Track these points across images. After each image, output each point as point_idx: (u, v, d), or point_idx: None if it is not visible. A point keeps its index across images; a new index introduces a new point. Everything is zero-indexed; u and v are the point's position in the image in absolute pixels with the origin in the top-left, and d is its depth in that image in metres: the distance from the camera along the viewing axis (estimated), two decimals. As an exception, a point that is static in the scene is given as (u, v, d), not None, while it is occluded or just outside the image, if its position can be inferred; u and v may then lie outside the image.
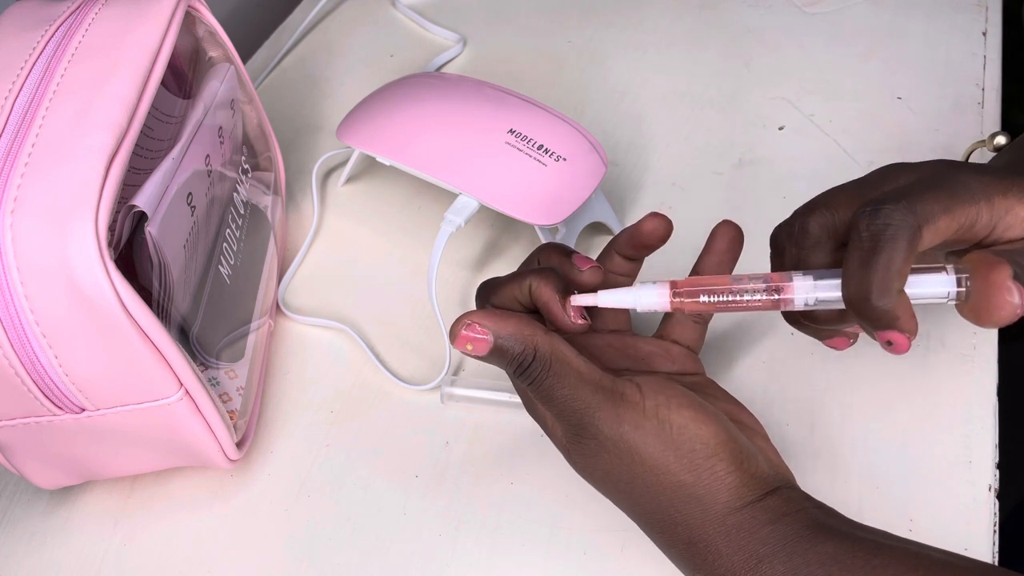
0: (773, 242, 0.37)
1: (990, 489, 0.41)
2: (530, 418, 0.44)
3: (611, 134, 0.60)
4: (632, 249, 0.38)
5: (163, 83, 0.42)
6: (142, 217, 0.35)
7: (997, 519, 0.40)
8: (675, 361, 0.39)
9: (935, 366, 0.45)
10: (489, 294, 0.36)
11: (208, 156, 0.42)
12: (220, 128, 0.45)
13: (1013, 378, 0.50)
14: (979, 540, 0.39)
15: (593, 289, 0.36)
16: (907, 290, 0.31)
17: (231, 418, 0.41)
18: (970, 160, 0.51)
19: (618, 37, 0.68)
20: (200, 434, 0.39)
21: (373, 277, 0.53)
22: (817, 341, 0.38)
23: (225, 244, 0.45)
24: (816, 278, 0.33)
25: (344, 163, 0.59)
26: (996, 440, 0.43)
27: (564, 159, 0.48)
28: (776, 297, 0.33)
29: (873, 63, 0.63)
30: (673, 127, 0.60)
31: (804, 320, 0.36)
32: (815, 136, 0.59)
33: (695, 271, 0.39)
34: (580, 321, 0.34)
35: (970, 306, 0.32)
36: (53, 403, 0.35)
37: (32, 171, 0.32)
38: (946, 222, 0.31)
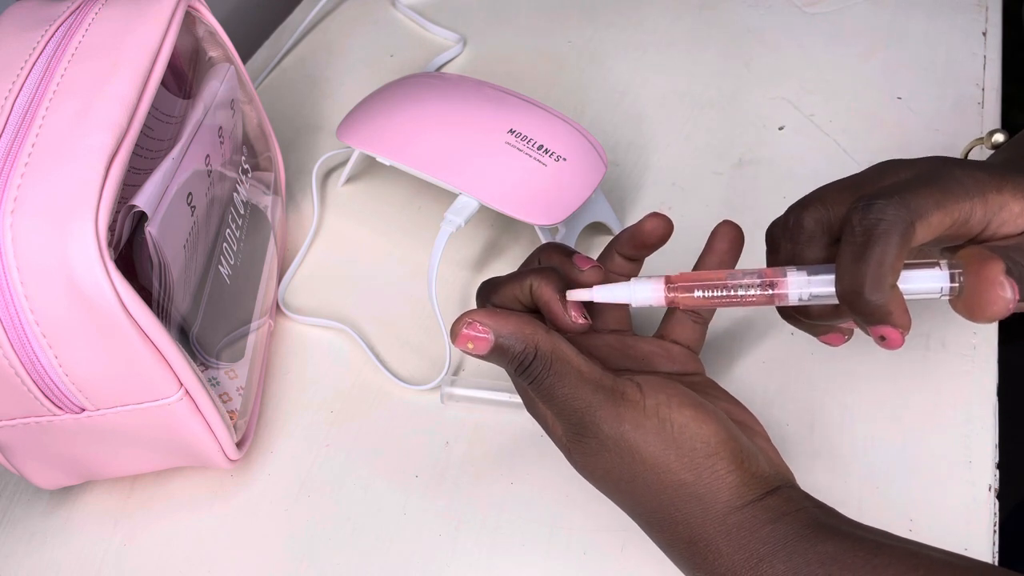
0: (769, 238, 0.37)
1: (990, 489, 0.41)
2: (530, 418, 0.44)
3: (611, 134, 0.60)
4: (633, 249, 0.38)
5: (163, 83, 0.42)
6: (142, 217, 0.35)
7: (997, 519, 0.40)
8: (675, 361, 0.39)
9: (935, 366, 0.45)
10: (490, 293, 0.36)
11: (208, 156, 0.42)
12: (220, 128, 0.45)
13: (1013, 378, 0.50)
14: (979, 540, 0.39)
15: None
16: (900, 285, 0.31)
17: (231, 418, 0.41)
18: (969, 157, 0.51)
19: (618, 37, 0.68)
20: (200, 434, 0.39)
21: (373, 277, 0.53)
22: (816, 340, 0.38)
23: (225, 244, 0.45)
24: (810, 273, 0.33)
25: (344, 163, 0.59)
26: (996, 440, 0.43)
27: (564, 159, 0.48)
28: (770, 292, 0.33)
29: (873, 63, 0.63)
30: (673, 127, 0.60)
31: (799, 316, 0.36)
32: (815, 136, 0.59)
33: (695, 271, 0.39)
34: (581, 320, 0.34)
35: (963, 301, 0.32)
36: (53, 403, 0.35)
37: (32, 171, 0.32)
38: (939, 218, 0.31)
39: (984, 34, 0.64)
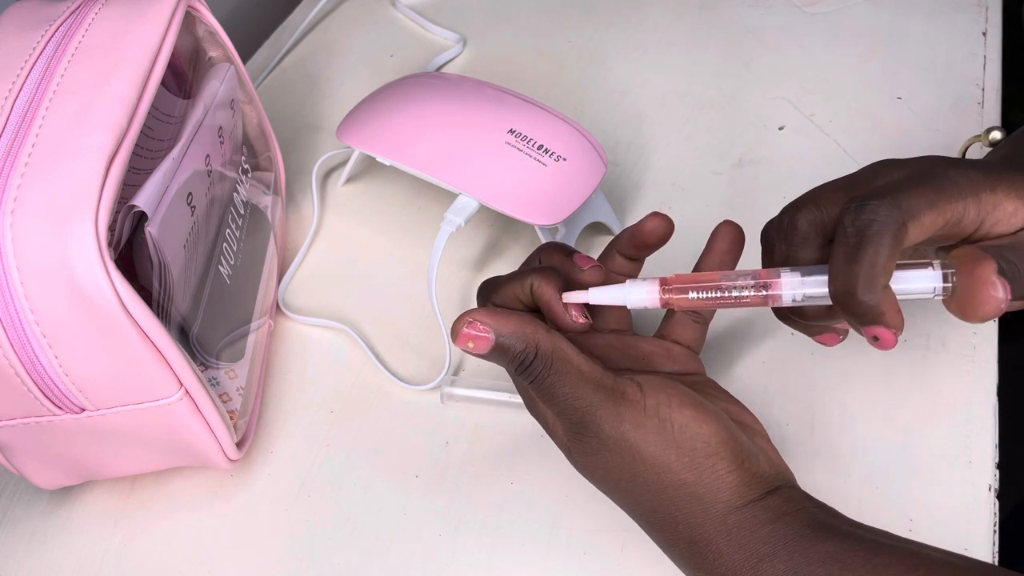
0: (764, 239, 0.37)
1: (990, 489, 0.41)
2: (530, 418, 0.44)
3: (611, 134, 0.60)
4: (633, 249, 0.38)
5: (163, 83, 0.41)
6: (142, 217, 0.35)
7: (997, 519, 0.40)
8: (676, 361, 0.39)
9: (935, 366, 0.45)
10: (490, 293, 0.36)
11: (208, 156, 0.42)
12: (220, 128, 0.45)
13: (1013, 378, 0.50)
14: (979, 540, 0.39)
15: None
16: (893, 285, 0.31)
17: (231, 418, 0.41)
18: (967, 154, 0.51)
19: (618, 37, 0.68)
20: (200, 434, 0.39)
21: (373, 277, 0.53)
22: (814, 340, 0.38)
23: (225, 244, 0.45)
24: (804, 274, 0.33)
25: (344, 163, 0.59)
26: (996, 440, 0.43)
27: (564, 159, 0.48)
28: (764, 293, 0.33)
29: (873, 63, 0.63)
30: (673, 127, 0.60)
31: (793, 316, 0.36)
32: (815, 136, 0.59)
33: (696, 271, 0.39)
34: (581, 320, 0.34)
35: (956, 301, 0.32)
36: (53, 403, 0.35)
37: (32, 171, 0.32)
38: (932, 218, 0.31)
39: (984, 34, 0.64)
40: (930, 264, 0.32)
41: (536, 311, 0.35)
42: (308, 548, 0.42)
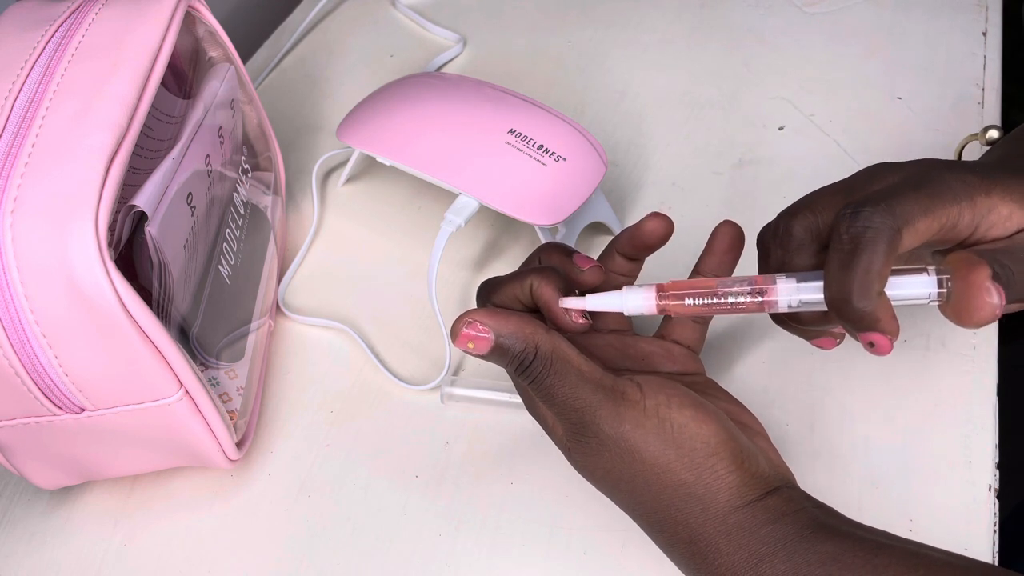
0: (760, 244, 0.37)
1: (990, 489, 0.41)
2: (530, 418, 0.44)
3: (611, 134, 0.60)
4: (633, 249, 0.38)
5: (163, 83, 0.42)
6: (142, 217, 0.35)
7: (997, 519, 0.40)
8: (676, 361, 0.39)
9: (935, 366, 0.45)
10: (490, 293, 0.36)
11: (208, 156, 0.42)
12: (220, 128, 0.45)
13: (1013, 378, 0.50)
14: (979, 540, 0.39)
15: (595, 288, 0.36)
16: (888, 292, 0.31)
17: (231, 418, 0.41)
18: (963, 153, 0.51)
19: (618, 37, 0.68)
20: (200, 434, 0.39)
21: (373, 277, 0.53)
22: (811, 343, 0.38)
23: (225, 244, 0.45)
24: (799, 280, 0.33)
25: (344, 163, 0.59)
26: (996, 440, 0.43)
27: (564, 159, 0.48)
28: (760, 299, 0.33)
29: (873, 63, 0.63)
30: (673, 127, 0.60)
31: (790, 321, 0.36)
32: (815, 136, 0.59)
33: (696, 271, 0.39)
34: (581, 320, 0.34)
35: (951, 306, 0.32)
36: (53, 403, 0.35)
37: (32, 171, 0.32)
38: (926, 223, 0.31)
39: (984, 34, 0.64)
40: (925, 270, 0.32)
41: (536, 311, 0.35)
42: (308, 548, 0.42)
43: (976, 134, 0.49)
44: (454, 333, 0.33)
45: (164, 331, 0.34)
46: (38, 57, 0.37)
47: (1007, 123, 0.57)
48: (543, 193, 0.47)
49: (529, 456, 0.44)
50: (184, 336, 0.39)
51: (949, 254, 0.32)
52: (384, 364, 0.48)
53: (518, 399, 0.45)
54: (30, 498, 0.44)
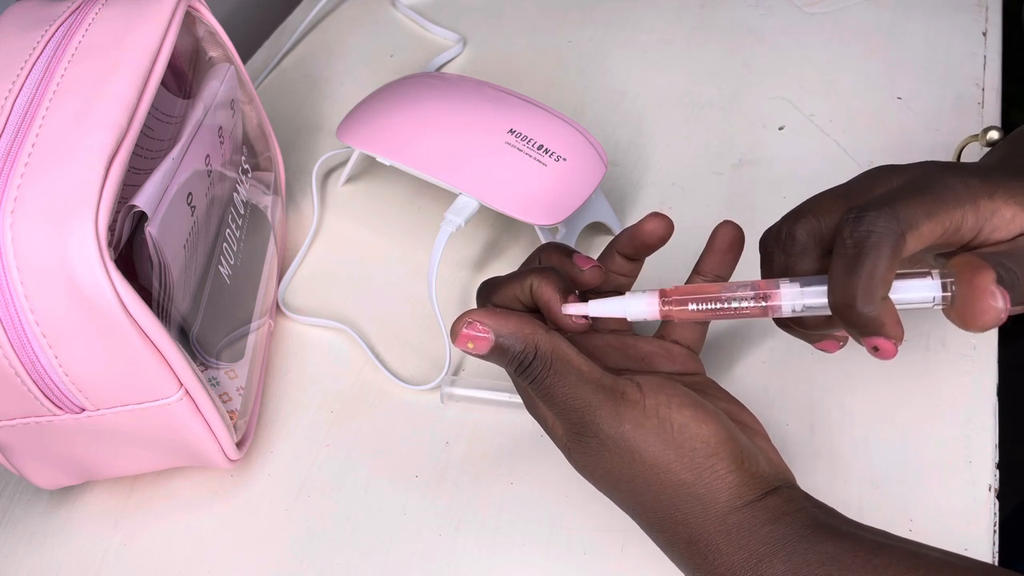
0: (762, 247, 0.37)
1: (990, 489, 0.41)
2: (530, 418, 0.44)
3: (611, 134, 0.60)
4: (633, 249, 0.38)
5: (163, 83, 0.42)
6: (142, 217, 0.35)
7: (997, 519, 0.40)
8: (676, 361, 0.39)
9: (935, 366, 0.45)
10: (490, 293, 0.36)
11: (208, 156, 0.42)
12: (220, 128, 0.45)
13: (1013, 378, 0.50)
14: (979, 540, 0.39)
15: (594, 288, 0.36)
16: (892, 296, 0.31)
17: (231, 418, 0.41)
18: (963, 154, 0.51)
19: (618, 37, 0.68)
20: (200, 434, 0.39)
21: (373, 277, 0.53)
22: (814, 346, 0.38)
23: (225, 244, 0.45)
24: (803, 285, 0.33)
25: (344, 163, 0.59)
26: (996, 440, 0.43)
27: (564, 159, 0.48)
28: (764, 304, 0.33)
29: (873, 63, 0.63)
30: (673, 127, 0.60)
31: (793, 325, 0.36)
32: (815, 136, 0.59)
33: (696, 271, 0.39)
34: (581, 320, 0.34)
35: (955, 310, 0.32)
36: (53, 403, 0.35)
37: (32, 171, 0.32)
38: (930, 227, 0.31)
39: (984, 34, 0.64)
40: (929, 273, 0.32)
41: (536, 311, 0.35)
42: (308, 548, 0.42)
43: (976, 135, 0.49)
44: (454, 333, 0.33)
45: (164, 331, 0.34)
46: (38, 57, 0.37)
47: (1007, 123, 0.57)
48: (543, 193, 0.47)
49: (529, 456, 0.44)
50: (184, 336, 0.39)
51: (953, 258, 0.32)
52: (384, 364, 0.48)
53: (518, 399, 0.45)
54: (30, 498, 0.44)
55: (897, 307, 0.31)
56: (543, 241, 0.48)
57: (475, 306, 0.37)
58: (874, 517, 0.34)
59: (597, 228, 0.53)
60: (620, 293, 0.39)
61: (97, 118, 0.34)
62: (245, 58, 0.68)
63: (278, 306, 0.51)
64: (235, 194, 0.47)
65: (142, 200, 0.34)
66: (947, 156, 0.55)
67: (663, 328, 0.40)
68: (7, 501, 0.44)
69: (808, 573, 0.29)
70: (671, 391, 0.32)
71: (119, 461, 0.41)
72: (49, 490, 0.44)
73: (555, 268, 0.35)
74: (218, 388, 0.42)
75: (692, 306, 0.34)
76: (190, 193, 0.39)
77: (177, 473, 0.44)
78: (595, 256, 0.38)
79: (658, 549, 0.34)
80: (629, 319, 0.34)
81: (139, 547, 0.42)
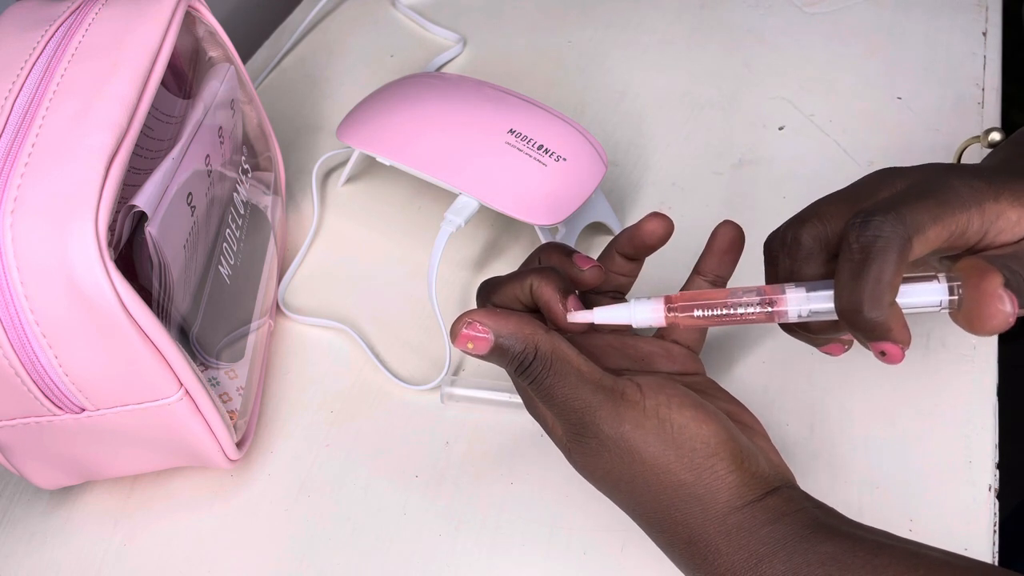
0: (767, 251, 0.37)
1: (990, 489, 0.41)
2: (530, 418, 0.44)
3: (611, 134, 0.60)
4: (633, 249, 0.38)
5: (163, 83, 0.42)
6: (142, 217, 0.35)
7: (997, 519, 0.40)
8: (676, 361, 0.39)
9: (935, 367, 0.45)
10: (490, 293, 0.36)
11: (208, 156, 0.42)
12: (220, 128, 0.45)
13: (1013, 378, 0.50)
14: (979, 540, 0.39)
15: (594, 288, 0.36)
16: (899, 300, 0.31)
17: (231, 418, 0.41)
18: (964, 156, 0.51)
19: (618, 37, 0.68)
20: (200, 434, 0.39)
21: (373, 277, 0.53)
22: (819, 350, 0.38)
23: (225, 244, 0.45)
24: (809, 290, 0.33)
25: (344, 163, 0.59)
26: (996, 440, 0.43)
27: (564, 159, 0.48)
28: (770, 310, 0.33)
29: (873, 63, 0.63)
30: (673, 127, 0.60)
31: (799, 329, 0.36)
32: (815, 136, 0.59)
33: (695, 271, 0.39)
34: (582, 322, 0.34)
35: (963, 314, 0.31)
36: (53, 403, 0.35)
37: (32, 171, 0.32)
38: (936, 231, 0.31)
39: (984, 34, 0.64)
40: (935, 277, 0.32)
41: (536, 311, 0.35)
42: (308, 548, 0.42)
43: (977, 137, 0.49)
44: (453, 333, 0.33)
45: (164, 331, 0.34)
46: (38, 57, 0.37)
47: (1007, 123, 0.57)
48: (543, 193, 0.47)
49: (529, 456, 0.44)
50: (184, 336, 0.39)
51: (959, 261, 0.32)
52: (384, 364, 0.48)
53: (518, 399, 0.45)
54: (30, 498, 0.44)
55: (903, 311, 0.31)
56: (543, 241, 0.48)
57: (475, 306, 0.37)
58: (874, 517, 0.34)
59: (597, 228, 0.53)
60: (620, 293, 0.40)
61: (97, 118, 0.34)
62: (245, 58, 0.68)
63: (278, 306, 0.51)
64: (235, 194, 0.47)
65: (142, 200, 0.34)
66: (947, 156, 0.55)
67: (663, 328, 0.40)
68: (7, 501, 0.44)
69: (808, 573, 0.29)
70: (671, 391, 0.32)
71: (119, 461, 0.41)
72: (49, 490, 0.44)
73: (555, 268, 0.35)
74: (218, 388, 0.42)
75: (698, 312, 0.34)
76: (190, 193, 0.39)
77: (177, 473, 0.44)
78: (595, 256, 0.38)
79: (658, 549, 0.34)
80: (635, 326, 0.34)
81: (139, 547, 0.42)
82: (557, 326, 0.34)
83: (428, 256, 0.48)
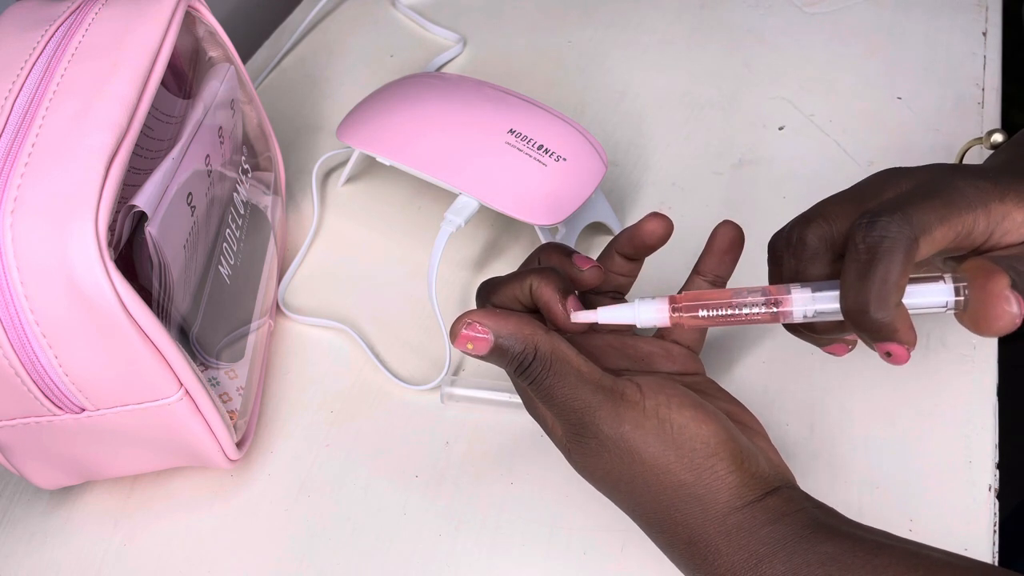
0: (771, 250, 0.37)
1: (990, 489, 0.41)
2: (530, 418, 0.44)
3: (611, 134, 0.60)
4: (632, 249, 0.38)
5: (163, 83, 0.42)
6: (142, 217, 0.35)
7: (997, 519, 0.40)
8: (675, 361, 0.39)
9: (935, 367, 0.45)
10: (490, 293, 0.36)
11: (208, 156, 0.42)
12: (220, 128, 0.45)
13: (1013, 378, 0.50)
14: (979, 540, 0.39)
15: (594, 288, 0.36)
16: (905, 301, 0.31)
17: (231, 418, 0.41)
18: (965, 157, 0.51)
19: (618, 37, 0.68)
20: (200, 434, 0.39)
21: (373, 277, 0.53)
22: (823, 350, 0.38)
23: (225, 244, 0.45)
24: (814, 290, 0.33)
25: (344, 163, 0.59)
26: (996, 440, 0.43)
27: (564, 159, 0.48)
28: (775, 310, 0.33)
29: (873, 63, 0.63)
30: (673, 127, 0.60)
31: (803, 329, 0.36)
32: (815, 136, 0.59)
33: (695, 271, 0.39)
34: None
35: (969, 315, 0.31)
36: (53, 403, 0.35)
37: (32, 171, 0.32)
38: (942, 232, 0.31)
39: (984, 34, 0.64)
40: (941, 278, 0.32)
41: (536, 312, 0.35)
42: (308, 548, 0.42)
43: (979, 138, 0.49)
44: (453, 334, 0.33)
45: (164, 331, 0.34)
46: (38, 57, 0.37)
47: (1007, 123, 0.57)
48: (543, 193, 0.47)
49: (529, 456, 0.44)
50: (184, 336, 0.39)
51: (964, 261, 0.32)
52: (384, 364, 0.48)
53: (518, 399, 0.45)
54: (30, 498, 0.44)
55: (909, 312, 0.31)
56: (543, 241, 0.48)
57: (475, 306, 0.37)
58: (874, 517, 0.34)
59: (597, 228, 0.53)
60: (620, 293, 0.40)
61: (97, 118, 0.34)
62: (245, 58, 0.68)
63: (278, 306, 0.51)
64: (235, 194, 0.47)
65: (142, 200, 0.34)
66: (947, 156, 0.55)
67: (663, 328, 0.40)
68: (7, 501, 0.44)
69: (808, 573, 0.29)
70: (671, 391, 0.32)
71: (119, 461, 0.41)
72: (49, 490, 0.44)
73: (555, 268, 0.35)
74: (218, 388, 0.42)
75: (703, 312, 0.34)
76: (190, 193, 0.39)
77: (177, 473, 0.44)
78: (595, 256, 0.38)
79: (658, 549, 0.34)
80: (639, 326, 0.34)
81: (139, 547, 0.42)
82: (557, 326, 0.34)
83: (428, 256, 0.48)
